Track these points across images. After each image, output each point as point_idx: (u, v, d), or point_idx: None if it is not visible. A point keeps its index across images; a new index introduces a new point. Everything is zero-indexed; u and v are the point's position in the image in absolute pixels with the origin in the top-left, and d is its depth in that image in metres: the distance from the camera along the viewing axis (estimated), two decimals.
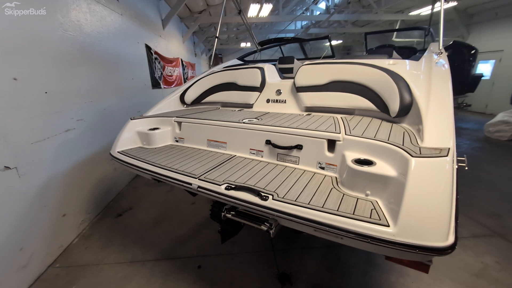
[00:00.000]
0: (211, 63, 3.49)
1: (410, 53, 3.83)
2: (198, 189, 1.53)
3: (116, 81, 4.11)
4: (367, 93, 2.02)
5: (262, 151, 1.85)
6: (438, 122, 1.39)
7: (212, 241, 2.76)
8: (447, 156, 1.12)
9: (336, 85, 2.18)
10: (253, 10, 8.52)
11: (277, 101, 2.56)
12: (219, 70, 3.02)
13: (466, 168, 1.24)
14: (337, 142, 1.54)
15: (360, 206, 1.22)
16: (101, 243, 2.81)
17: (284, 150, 1.72)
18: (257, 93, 2.63)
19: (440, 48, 2.06)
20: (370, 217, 1.13)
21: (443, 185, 1.06)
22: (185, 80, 9.21)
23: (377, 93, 1.95)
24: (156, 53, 6.05)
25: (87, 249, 2.71)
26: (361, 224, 1.10)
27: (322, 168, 1.61)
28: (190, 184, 1.57)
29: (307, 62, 2.46)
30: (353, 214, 1.16)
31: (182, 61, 8.76)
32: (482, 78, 8.61)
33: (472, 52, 7.46)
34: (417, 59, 2.22)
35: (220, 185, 1.47)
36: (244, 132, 1.92)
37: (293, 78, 2.44)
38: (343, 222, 1.12)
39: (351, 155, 1.44)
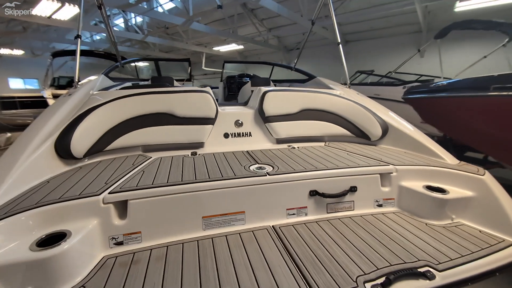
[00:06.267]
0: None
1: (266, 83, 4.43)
2: None
3: None
4: (338, 120, 2.08)
5: (306, 207, 1.33)
6: (430, 142, 1.70)
7: None
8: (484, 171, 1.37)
9: (307, 114, 2.05)
10: (45, 8, 5.79)
11: (239, 134, 1.96)
12: (123, 94, 1.74)
13: None
14: (391, 175, 1.44)
15: (469, 235, 1.16)
16: None
17: (336, 197, 1.35)
18: (209, 126, 1.85)
19: (348, 85, 2.59)
20: (493, 245, 1.09)
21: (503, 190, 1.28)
22: None
23: (350, 120, 2.06)
24: None
25: None
26: (503, 253, 1.04)
27: (380, 206, 1.43)
28: None
29: (266, 88, 2.08)
30: (483, 248, 1.06)
31: None
32: None
33: None
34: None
35: None
36: (271, 188, 1.26)
37: (258, 105, 1.98)
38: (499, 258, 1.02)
39: (412, 184, 1.41)
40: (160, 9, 9.46)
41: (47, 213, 0.98)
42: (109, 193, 1.07)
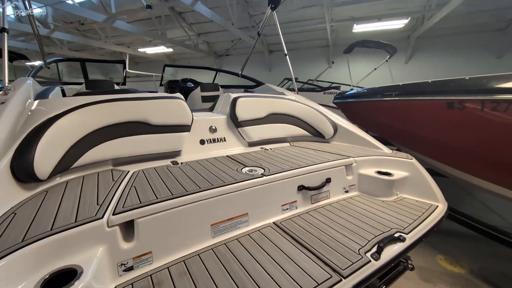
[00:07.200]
0: None
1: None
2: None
3: None
4: (298, 122, 2.33)
5: (296, 201, 1.48)
6: (369, 137, 2.15)
7: None
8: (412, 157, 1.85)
9: (273, 118, 2.22)
10: None
11: (214, 140, 1.96)
12: (85, 102, 1.49)
13: None
14: (352, 165, 1.73)
15: (411, 205, 1.54)
16: None
17: (318, 189, 1.54)
18: (186, 134, 1.79)
19: (296, 91, 2.94)
20: (427, 210, 1.46)
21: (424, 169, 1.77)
22: None
23: (307, 122, 2.34)
24: None
25: None
26: (434, 214, 1.44)
27: (347, 192, 1.69)
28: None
29: (235, 94, 2.15)
30: (423, 213, 1.41)
31: None
32: None
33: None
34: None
35: (368, 260, 1.02)
36: (268, 188, 1.36)
37: (230, 110, 2.05)
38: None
39: (367, 172, 1.75)
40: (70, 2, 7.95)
41: (42, 249, 0.80)
42: (113, 214, 0.95)
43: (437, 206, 1.51)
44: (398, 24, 8.47)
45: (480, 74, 1.93)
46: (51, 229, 0.85)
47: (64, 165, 1.29)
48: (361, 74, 8.06)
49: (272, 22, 3.24)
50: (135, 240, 0.97)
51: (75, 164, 1.35)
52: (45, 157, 1.18)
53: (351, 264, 0.97)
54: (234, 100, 2.03)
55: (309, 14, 9.38)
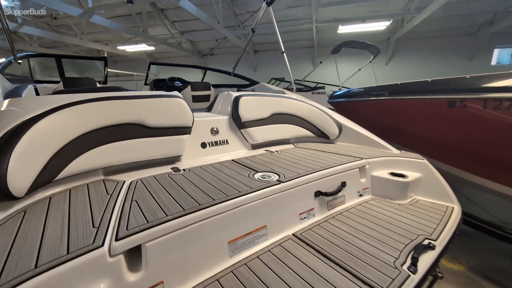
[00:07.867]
0: None
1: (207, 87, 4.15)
2: None
3: None
4: (301, 122, 2.22)
5: (313, 208, 1.35)
6: (375, 136, 2.08)
7: None
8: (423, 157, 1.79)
9: (276, 118, 2.09)
10: None
11: (216, 143, 1.79)
12: (69, 101, 1.25)
13: None
14: (366, 167, 1.62)
15: (429, 208, 1.44)
16: None
17: (334, 194, 1.42)
18: (186, 136, 1.61)
19: (294, 90, 2.84)
20: (446, 212, 1.40)
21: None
22: None
23: (311, 122, 2.23)
24: None
25: None
26: (453, 216, 1.37)
27: (361, 196, 1.58)
28: None
29: (236, 93, 2.00)
30: (443, 216, 1.35)
31: None
32: None
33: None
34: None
35: (408, 274, 0.92)
36: (285, 196, 1.22)
37: (233, 110, 1.90)
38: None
39: (381, 173, 1.66)
40: None
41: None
42: (116, 239, 0.76)
43: (453, 207, 1.46)
44: (381, 26, 8.70)
45: (453, 75, 1.98)
46: (36, 267, 0.65)
47: (46, 177, 1.07)
48: (345, 74, 8.17)
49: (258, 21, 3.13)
50: (143, 269, 0.79)
51: (60, 176, 1.13)
52: (22, 168, 0.96)
53: (392, 281, 0.86)
54: (237, 99, 1.88)
55: (294, 14, 9.37)
